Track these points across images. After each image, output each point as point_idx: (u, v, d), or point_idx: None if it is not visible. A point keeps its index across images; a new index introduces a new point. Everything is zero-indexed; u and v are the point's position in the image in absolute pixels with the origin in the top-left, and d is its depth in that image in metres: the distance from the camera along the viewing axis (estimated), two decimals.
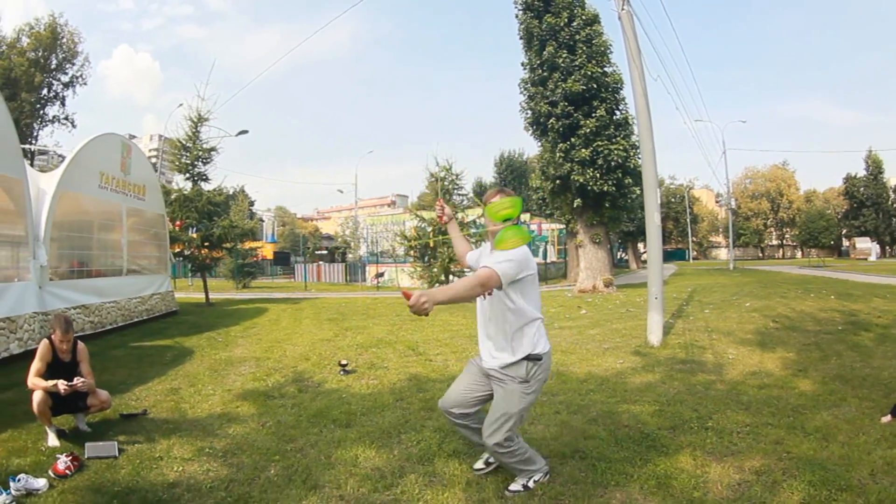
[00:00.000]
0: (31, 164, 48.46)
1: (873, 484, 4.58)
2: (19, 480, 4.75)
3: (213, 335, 13.81)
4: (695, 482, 4.71)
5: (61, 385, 5.81)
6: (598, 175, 24.40)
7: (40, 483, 4.85)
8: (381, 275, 37.33)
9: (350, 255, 58.17)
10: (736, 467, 4.98)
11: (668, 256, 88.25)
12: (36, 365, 6.05)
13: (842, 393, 7.27)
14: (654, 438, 5.71)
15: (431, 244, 21.89)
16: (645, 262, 68.93)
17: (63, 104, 55.10)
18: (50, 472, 5.07)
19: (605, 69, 25.13)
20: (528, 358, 4.40)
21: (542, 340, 4.51)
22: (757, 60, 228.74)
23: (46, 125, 54.86)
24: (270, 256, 60.17)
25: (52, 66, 53.10)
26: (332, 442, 5.86)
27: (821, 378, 8.09)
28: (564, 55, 24.39)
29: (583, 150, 24.20)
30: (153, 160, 70.11)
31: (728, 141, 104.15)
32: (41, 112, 53.81)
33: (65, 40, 53.35)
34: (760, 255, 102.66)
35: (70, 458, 5.22)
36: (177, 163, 22.67)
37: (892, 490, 4.47)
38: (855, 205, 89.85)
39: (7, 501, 4.51)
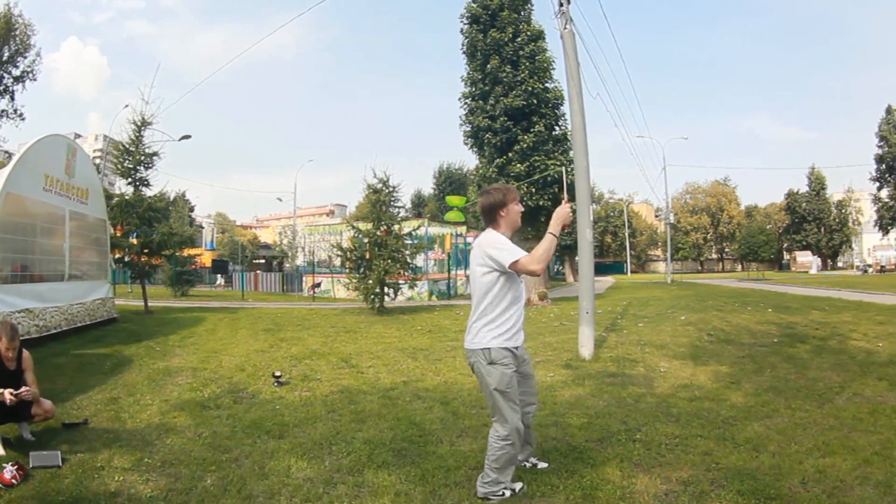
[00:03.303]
0: None
1: (804, 493, 4.67)
2: None
3: (151, 344, 13.64)
4: (621, 493, 4.74)
5: (7, 395, 5.74)
6: (533, 190, 24.63)
7: None
8: (318, 285, 37.02)
9: (287, 265, 57.71)
10: (663, 478, 5.01)
11: (606, 269, 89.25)
12: None
13: (774, 404, 7.36)
14: (581, 451, 5.74)
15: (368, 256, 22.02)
16: None
17: (12, 98, 53.01)
18: None
19: (547, 85, 25.53)
20: None
21: None
22: (700, 77, 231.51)
23: None
24: (209, 264, 59.42)
25: (4, 59, 51.16)
26: (265, 453, 5.88)
27: (753, 390, 8.17)
28: (507, 70, 24.66)
29: (518, 165, 24.54)
30: (97, 161, 68.61)
31: (670, 157, 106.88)
32: None
33: (18, 32, 51.44)
34: (700, 268, 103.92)
35: (16, 467, 5.20)
36: (119, 167, 22.25)
37: (823, 498, 4.56)
38: (797, 220, 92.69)
39: None
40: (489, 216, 4.97)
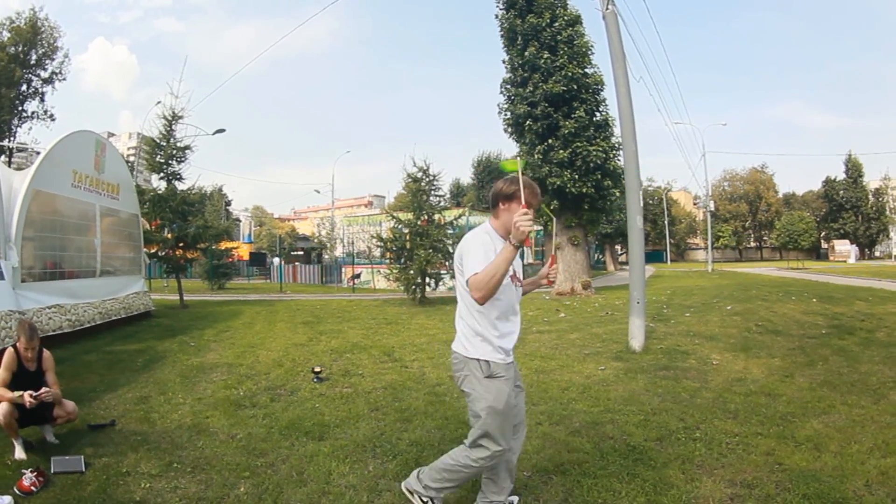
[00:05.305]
0: (10, 162, 47.86)
1: (869, 496, 4.49)
2: None
3: (185, 339, 13.47)
4: (686, 498, 4.56)
5: (27, 397, 5.55)
6: (576, 177, 24.20)
7: (5, 500, 4.65)
8: (358, 276, 37.08)
9: (326, 256, 57.72)
10: (727, 481, 4.83)
11: (646, 258, 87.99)
12: (1, 375, 5.78)
13: (830, 400, 7.14)
14: (641, 451, 5.52)
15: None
16: (622, 263, 68.98)
17: (42, 100, 53.97)
18: (15, 489, 4.87)
19: (586, 70, 25.01)
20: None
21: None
22: (738, 64, 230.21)
23: (25, 121, 53.66)
24: (246, 257, 59.58)
25: (32, 62, 51.91)
26: (304, 457, 5.62)
27: (808, 384, 7.96)
28: (546, 56, 24.26)
29: (561, 152, 24.01)
30: (131, 159, 69.11)
31: (708, 144, 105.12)
32: (20, 108, 52.62)
33: (44, 35, 52.15)
34: (738, 257, 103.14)
35: (35, 473, 5.02)
36: (151, 162, 22.33)
37: (888, 502, 4.40)
38: (834, 208, 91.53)
39: None
40: (492, 202, 4.27)
